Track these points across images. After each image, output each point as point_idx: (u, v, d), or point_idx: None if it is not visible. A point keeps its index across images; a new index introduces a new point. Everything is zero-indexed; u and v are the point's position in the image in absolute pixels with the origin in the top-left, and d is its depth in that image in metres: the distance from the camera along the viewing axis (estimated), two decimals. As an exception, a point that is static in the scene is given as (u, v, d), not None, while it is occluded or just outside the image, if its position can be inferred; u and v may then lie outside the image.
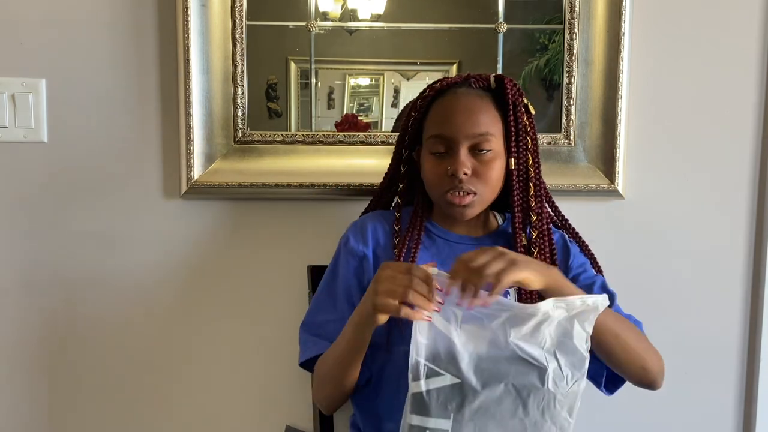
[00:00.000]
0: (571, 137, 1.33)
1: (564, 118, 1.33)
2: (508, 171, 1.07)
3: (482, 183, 1.05)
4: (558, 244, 1.13)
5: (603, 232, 1.35)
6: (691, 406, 1.42)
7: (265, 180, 1.30)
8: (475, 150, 1.04)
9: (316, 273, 1.25)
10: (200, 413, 1.38)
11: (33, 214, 1.31)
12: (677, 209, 1.38)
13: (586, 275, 1.11)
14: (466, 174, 1.03)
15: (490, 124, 1.05)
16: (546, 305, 0.87)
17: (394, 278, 0.89)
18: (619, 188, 1.34)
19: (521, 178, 1.08)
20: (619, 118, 1.31)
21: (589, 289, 1.07)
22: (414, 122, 1.10)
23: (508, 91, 1.05)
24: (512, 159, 1.06)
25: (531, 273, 0.89)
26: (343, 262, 1.11)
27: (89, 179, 1.31)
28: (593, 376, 1.07)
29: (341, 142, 1.32)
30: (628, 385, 1.11)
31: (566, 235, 1.16)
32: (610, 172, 1.33)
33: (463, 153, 1.04)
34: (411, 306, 0.88)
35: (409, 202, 1.15)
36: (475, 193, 1.05)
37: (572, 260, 1.12)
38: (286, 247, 1.34)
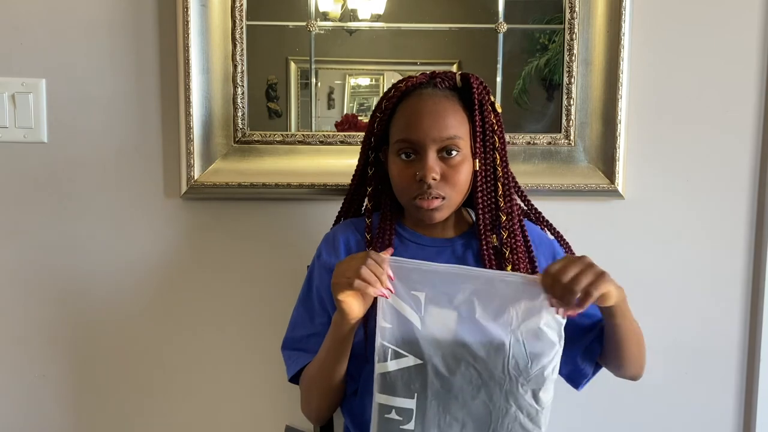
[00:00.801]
0: (571, 137, 1.33)
1: (564, 118, 1.33)
2: (475, 171, 1.05)
3: (450, 187, 1.02)
4: (543, 240, 1.12)
5: (603, 232, 1.36)
6: (691, 406, 1.42)
7: (265, 180, 1.30)
8: (443, 153, 1.02)
9: (316, 273, 1.25)
10: (200, 413, 1.38)
11: (33, 214, 1.31)
12: (677, 209, 1.38)
13: None
14: (434, 179, 1.00)
15: (457, 127, 1.02)
16: (527, 277, 0.91)
17: (350, 261, 0.93)
18: (619, 188, 1.33)
19: (488, 179, 1.05)
20: (619, 118, 1.31)
21: None
22: (380, 123, 1.07)
23: (474, 90, 1.03)
24: (477, 160, 1.04)
25: (613, 287, 0.89)
26: (317, 276, 1.10)
27: (89, 179, 1.31)
28: (572, 376, 1.08)
29: (341, 142, 1.32)
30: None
31: (545, 230, 1.15)
32: (610, 172, 1.33)
33: (432, 158, 1.01)
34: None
35: (380, 205, 1.12)
36: (443, 198, 1.02)
37: (556, 257, 1.12)
38: (286, 247, 1.34)
